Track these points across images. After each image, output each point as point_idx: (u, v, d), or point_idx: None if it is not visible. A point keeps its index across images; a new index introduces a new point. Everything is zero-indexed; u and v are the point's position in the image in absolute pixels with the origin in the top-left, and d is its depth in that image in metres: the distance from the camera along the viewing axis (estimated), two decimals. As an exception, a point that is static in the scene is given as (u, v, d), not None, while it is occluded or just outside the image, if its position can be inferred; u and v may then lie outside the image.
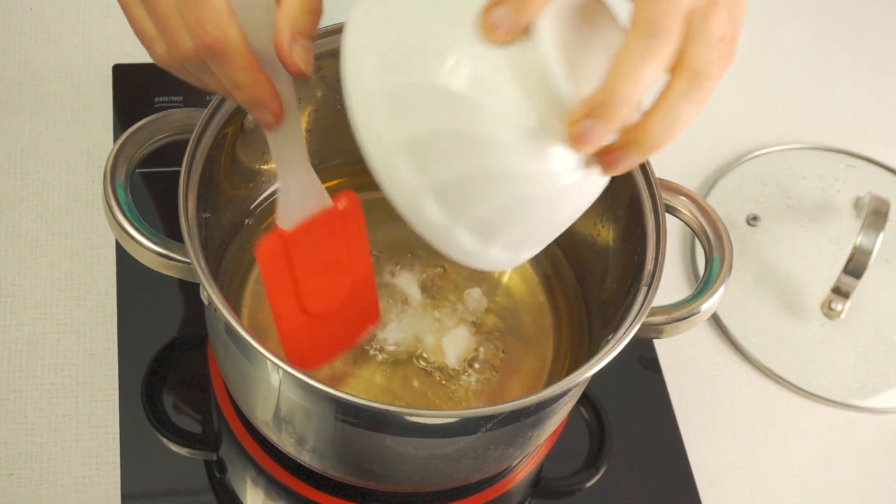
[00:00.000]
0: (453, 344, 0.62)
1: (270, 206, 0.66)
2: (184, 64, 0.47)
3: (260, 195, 0.67)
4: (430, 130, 0.43)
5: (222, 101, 0.58)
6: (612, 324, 0.59)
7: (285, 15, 0.45)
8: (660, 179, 0.60)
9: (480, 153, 0.42)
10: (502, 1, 0.40)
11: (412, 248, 0.65)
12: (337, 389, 0.50)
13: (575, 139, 0.41)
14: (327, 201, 0.55)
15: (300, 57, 0.46)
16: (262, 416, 0.60)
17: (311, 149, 0.55)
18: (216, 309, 0.51)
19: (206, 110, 0.57)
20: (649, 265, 0.57)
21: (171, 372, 0.69)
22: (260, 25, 0.46)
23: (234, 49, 0.45)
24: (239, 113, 0.59)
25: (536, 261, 0.67)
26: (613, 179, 0.61)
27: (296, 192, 0.53)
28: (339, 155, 0.66)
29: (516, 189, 0.44)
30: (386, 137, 0.43)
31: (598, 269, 0.65)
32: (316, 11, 0.46)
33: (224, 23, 0.44)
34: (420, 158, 0.43)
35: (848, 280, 0.76)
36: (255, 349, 0.50)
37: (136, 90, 0.79)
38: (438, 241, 0.45)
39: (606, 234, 0.64)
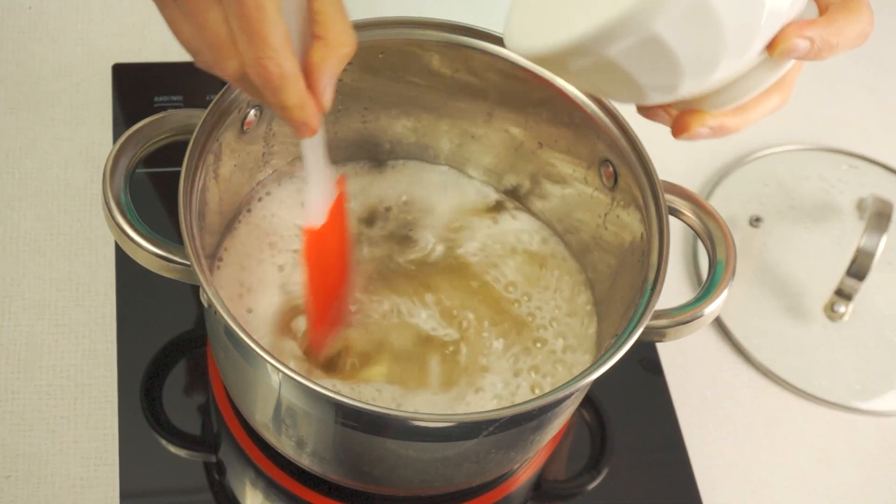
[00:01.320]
0: None
1: (268, 207, 0.66)
2: (228, 79, 0.47)
3: (259, 195, 0.66)
4: None
5: (222, 101, 0.58)
6: (616, 326, 0.59)
7: (328, 60, 0.47)
8: (662, 181, 0.59)
9: None
10: None
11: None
12: (336, 393, 0.49)
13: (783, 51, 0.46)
14: (338, 188, 0.57)
15: (328, 96, 0.48)
16: (262, 419, 0.59)
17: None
18: (216, 312, 0.51)
19: (207, 111, 0.57)
20: (652, 268, 0.57)
21: (171, 373, 0.68)
22: (294, 31, 0.47)
23: (291, 82, 0.45)
24: (238, 114, 0.59)
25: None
26: (616, 182, 0.62)
27: (321, 186, 0.56)
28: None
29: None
30: None
31: (607, 272, 0.64)
32: (350, 57, 0.48)
33: (283, 58, 0.45)
34: None
35: (851, 282, 0.75)
36: (256, 352, 0.50)
37: (135, 89, 0.79)
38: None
39: (610, 236, 0.64)
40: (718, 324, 0.77)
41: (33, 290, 0.70)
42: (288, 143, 0.66)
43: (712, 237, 0.60)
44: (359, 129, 0.68)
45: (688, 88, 0.47)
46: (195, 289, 0.55)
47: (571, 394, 0.53)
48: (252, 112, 0.60)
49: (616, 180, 0.62)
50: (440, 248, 0.67)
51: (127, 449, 0.65)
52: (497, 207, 0.70)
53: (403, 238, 0.67)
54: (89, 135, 0.78)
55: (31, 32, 0.82)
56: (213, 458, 0.66)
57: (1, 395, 0.66)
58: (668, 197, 0.60)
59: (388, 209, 0.68)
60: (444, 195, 0.69)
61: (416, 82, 0.65)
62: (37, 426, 0.66)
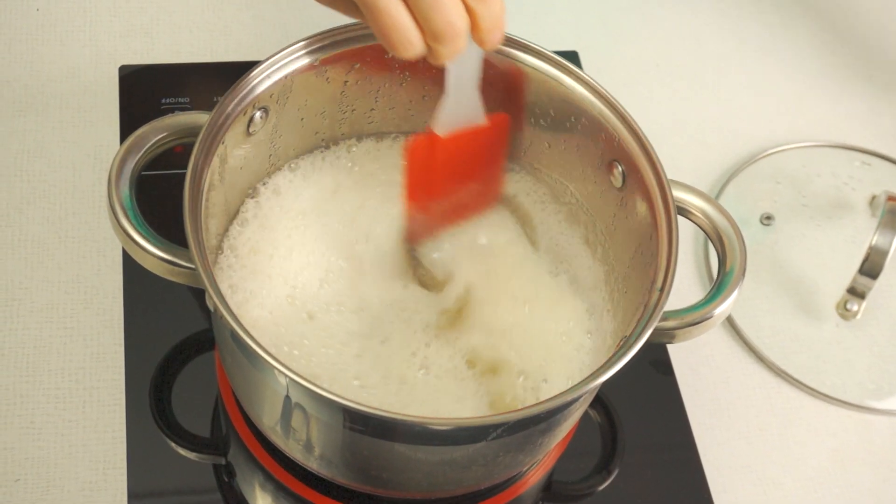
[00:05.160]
0: None
1: (275, 208, 0.66)
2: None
3: (266, 197, 0.66)
4: None
5: (227, 103, 0.57)
6: (626, 328, 0.58)
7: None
8: (671, 181, 0.59)
9: None
10: None
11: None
12: (343, 398, 0.49)
13: None
14: (482, 119, 0.60)
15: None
16: (269, 423, 0.59)
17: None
18: (222, 316, 0.51)
19: (213, 113, 0.57)
20: (661, 269, 0.56)
21: (179, 375, 0.68)
22: None
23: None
24: (244, 116, 0.59)
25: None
26: (625, 181, 0.61)
27: (459, 106, 0.58)
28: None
29: None
30: None
31: (617, 272, 0.64)
32: None
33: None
34: None
35: (864, 280, 0.75)
36: (262, 357, 0.50)
37: (142, 91, 0.79)
38: None
39: (619, 236, 0.63)
40: (730, 323, 0.77)
41: (42, 293, 0.70)
42: (293, 143, 0.66)
43: (722, 237, 0.59)
44: (365, 128, 0.68)
45: None
46: (202, 291, 0.55)
47: (579, 397, 0.53)
48: (258, 113, 0.60)
49: (625, 180, 0.61)
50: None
51: (135, 452, 0.65)
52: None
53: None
54: (97, 137, 0.78)
55: (39, 34, 0.82)
56: (223, 461, 0.66)
57: (10, 398, 0.66)
58: (678, 196, 0.59)
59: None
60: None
61: (423, 83, 0.65)
62: (45, 430, 0.66)
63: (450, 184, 0.63)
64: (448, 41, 0.52)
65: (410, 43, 0.52)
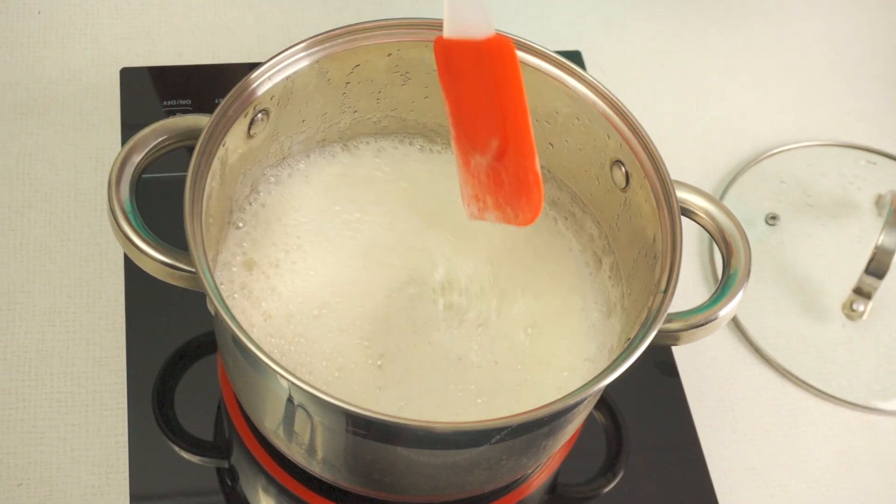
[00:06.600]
0: None
1: (276, 210, 0.65)
2: None
3: (266, 199, 0.66)
4: None
5: (228, 105, 0.57)
6: (630, 330, 0.58)
7: None
8: (675, 181, 0.59)
9: None
10: None
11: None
12: (346, 402, 0.49)
13: None
14: (475, 33, 0.55)
15: None
16: (272, 427, 0.59)
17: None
18: (223, 320, 0.50)
19: (214, 115, 0.57)
20: (665, 270, 0.56)
21: (181, 379, 0.68)
22: None
23: None
24: (245, 118, 0.58)
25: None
26: (628, 182, 0.61)
27: (455, 7, 0.54)
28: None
29: None
30: None
31: (620, 274, 0.64)
32: None
33: None
34: None
35: (870, 280, 0.75)
36: (264, 362, 0.49)
37: (144, 93, 0.78)
38: None
39: (623, 237, 0.63)
40: (735, 324, 0.76)
41: (43, 297, 0.70)
42: (295, 146, 0.65)
43: (727, 238, 0.59)
44: (367, 129, 0.67)
45: None
46: (204, 294, 0.55)
47: (582, 400, 0.53)
48: (259, 115, 0.60)
49: (628, 181, 0.61)
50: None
51: (137, 455, 0.64)
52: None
53: None
54: (98, 139, 0.77)
55: (40, 37, 0.82)
56: (225, 464, 0.66)
57: (12, 402, 0.66)
58: (681, 197, 0.59)
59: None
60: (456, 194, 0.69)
61: (426, 83, 0.64)
62: (48, 434, 0.65)
63: (474, 122, 0.58)
64: None
65: None
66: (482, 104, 0.57)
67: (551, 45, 0.63)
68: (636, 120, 0.60)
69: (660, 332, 0.54)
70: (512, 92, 0.55)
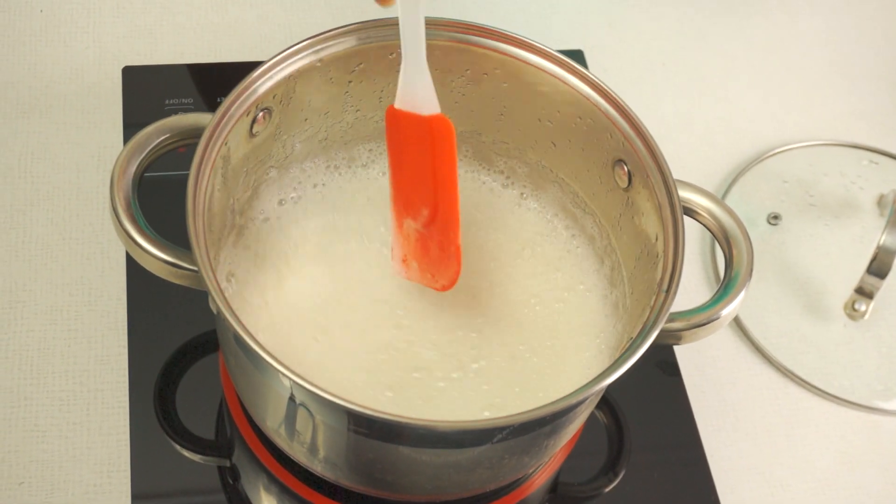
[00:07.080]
0: None
1: (279, 209, 0.65)
2: None
3: (269, 197, 0.66)
4: None
5: (230, 104, 0.57)
6: (632, 329, 0.58)
7: None
8: (677, 180, 0.59)
9: None
10: None
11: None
12: (348, 401, 0.49)
13: None
14: (421, 109, 0.59)
15: None
16: (273, 426, 0.59)
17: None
18: (224, 319, 0.50)
19: (216, 114, 0.57)
20: (667, 269, 0.56)
21: (183, 377, 0.68)
22: None
23: None
24: (247, 116, 0.58)
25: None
26: (631, 181, 0.61)
27: (406, 82, 0.58)
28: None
29: None
30: None
31: (623, 273, 0.64)
32: None
33: None
34: None
35: (872, 280, 0.74)
36: (266, 360, 0.49)
37: (146, 92, 0.78)
38: None
39: (625, 237, 0.63)
40: (737, 323, 0.76)
41: (45, 295, 0.70)
42: (297, 144, 0.65)
43: (729, 237, 0.59)
44: (369, 129, 0.68)
45: None
46: (206, 293, 0.55)
47: (585, 399, 0.52)
48: (261, 114, 0.60)
49: (630, 180, 0.61)
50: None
51: (139, 454, 0.64)
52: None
53: None
54: (101, 138, 0.77)
55: (42, 35, 0.82)
56: (227, 463, 0.66)
57: (14, 401, 0.66)
58: (684, 196, 0.59)
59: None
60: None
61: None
62: (49, 432, 0.65)
63: (407, 189, 0.62)
64: None
65: None
66: (419, 173, 0.60)
67: (553, 44, 0.63)
68: (638, 119, 0.60)
69: (662, 331, 0.54)
70: (447, 167, 0.59)
